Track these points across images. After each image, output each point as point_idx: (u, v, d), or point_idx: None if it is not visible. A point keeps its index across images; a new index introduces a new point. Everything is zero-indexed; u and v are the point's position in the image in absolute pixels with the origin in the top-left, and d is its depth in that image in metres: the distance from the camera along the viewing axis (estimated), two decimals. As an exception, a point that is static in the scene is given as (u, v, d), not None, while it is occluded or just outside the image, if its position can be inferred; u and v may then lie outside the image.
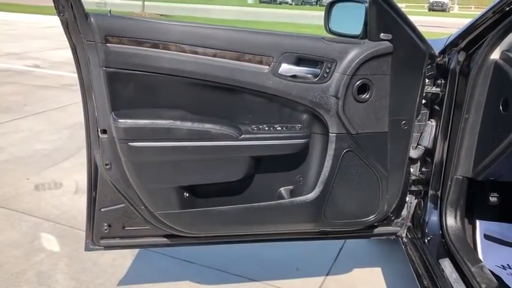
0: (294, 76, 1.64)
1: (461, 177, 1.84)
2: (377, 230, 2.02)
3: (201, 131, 1.61)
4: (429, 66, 1.80)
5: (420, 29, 1.76)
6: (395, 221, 2.03)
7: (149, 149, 1.59)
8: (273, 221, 1.84)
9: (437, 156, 1.89)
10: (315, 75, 1.66)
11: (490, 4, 1.69)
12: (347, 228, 1.95)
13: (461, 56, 1.78)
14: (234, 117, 1.69)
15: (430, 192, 1.94)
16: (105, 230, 1.82)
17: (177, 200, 1.71)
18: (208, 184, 1.74)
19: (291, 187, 1.83)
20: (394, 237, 2.07)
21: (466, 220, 1.97)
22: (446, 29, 14.76)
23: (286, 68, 1.63)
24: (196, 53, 1.58)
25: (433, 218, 1.92)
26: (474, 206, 2.07)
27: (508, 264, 1.95)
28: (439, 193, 1.91)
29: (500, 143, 1.64)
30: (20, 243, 2.50)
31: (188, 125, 1.60)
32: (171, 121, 1.58)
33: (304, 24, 16.90)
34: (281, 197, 1.82)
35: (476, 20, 1.72)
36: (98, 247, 1.85)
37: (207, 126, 1.61)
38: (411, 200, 2.02)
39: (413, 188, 1.98)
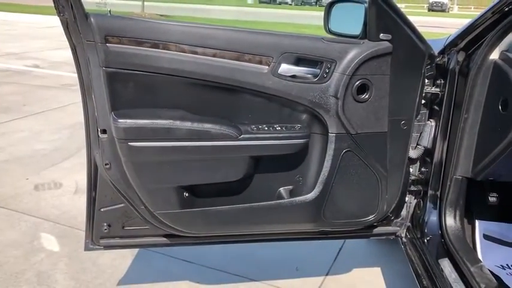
0: (293, 76, 1.65)
1: (460, 177, 1.84)
2: (376, 230, 2.02)
3: (201, 131, 1.61)
4: (428, 67, 1.80)
5: (420, 29, 1.76)
6: (395, 221, 2.03)
7: (149, 149, 1.60)
8: (273, 221, 1.84)
9: (436, 156, 1.89)
10: (315, 75, 1.66)
11: (489, 4, 1.69)
12: (346, 228, 1.96)
13: (461, 56, 1.79)
14: (234, 117, 1.69)
15: (430, 192, 1.94)
16: (105, 229, 1.82)
17: (176, 199, 1.71)
18: (208, 184, 1.74)
19: (290, 187, 1.83)
20: (393, 237, 2.07)
21: (465, 220, 1.98)
22: (445, 29, 14.78)
23: (285, 68, 1.63)
24: (196, 53, 1.58)
25: (433, 218, 1.92)
26: (473, 206, 2.07)
27: (507, 264, 1.95)
28: (438, 193, 1.91)
29: (499, 143, 1.64)
30: (20, 243, 2.50)
31: (188, 125, 1.60)
32: (171, 121, 1.58)
33: (304, 24, 16.90)
34: (281, 197, 1.82)
35: (476, 20, 1.72)
36: (97, 247, 1.86)
37: (207, 126, 1.62)
38: (410, 200, 2.02)
39: (412, 188, 1.99)
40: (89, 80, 1.58)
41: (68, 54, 1.77)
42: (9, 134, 4.23)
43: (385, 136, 1.77)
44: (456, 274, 1.71)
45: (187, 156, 1.65)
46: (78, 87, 1.62)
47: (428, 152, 1.91)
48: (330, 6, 1.92)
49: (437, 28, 15.76)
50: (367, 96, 1.69)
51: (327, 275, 2.36)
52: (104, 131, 1.62)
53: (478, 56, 1.72)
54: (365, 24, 1.67)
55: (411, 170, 1.97)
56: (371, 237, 2.10)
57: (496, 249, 2.03)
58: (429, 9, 42.40)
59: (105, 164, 1.66)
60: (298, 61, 1.65)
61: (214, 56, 1.59)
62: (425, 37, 1.77)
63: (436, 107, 1.88)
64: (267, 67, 1.62)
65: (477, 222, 2.10)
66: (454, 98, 1.81)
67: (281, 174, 1.82)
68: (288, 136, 1.71)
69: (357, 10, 1.70)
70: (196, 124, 1.61)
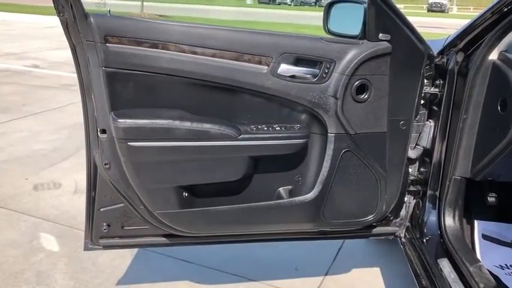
0: (292, 76, 1.65)
1: (459, 178, 1.85)
2: (376, 230, 2.02)
3: (200, 131, 1.61)
4: (428, 67, 1.80)
5: (419, 29, 1.76)
6: (394, 221, 2.03)
7: (148, 149, 1.60)
8: (272, 221, 1.84)
9: (435, 156, 1.89)
10: (314, 76, 1.67)
11: (488, 5, 1.69)
12: (346, 228, 1.96)
13: (460, 57, 1.79)
14: (233, 117, 1.69)
15: (429, 192, 1.94)
16: (104, 229, 1.82)
17: (176, 199, 1.71)
18: (208, 184, 1.74)
19: (289, 187, 1.83)
20: (392, 237, 2.07)
21: (464, 220, 1.98)
22: (444, 29, 14.81)
23: (285, 68, 1.64)
24: (195, 53, 1.58)
25: (432, 218, 1.92)
26: (472, 206, 2.08)
27: (506, 264, 1.95)
28: (437, 193, 1.91)
29: (498, 143, 1.64)
30: (19, 243, 2.50)
31: (187, 125, 1.60)
32: (171, 121, 1.59)
33: (303, 24, 16.91)
34: (280, 197, 1.82)
35: (475, 20, 1.73)
36: (97, 247, 1.86)
37: (206, 126, 1.62)
38: (410, 200, 2.03)
39: (411, 188, 1.99)
40: (89, 80, 1.58)
41: (67, 54, 1.78)
42: (8, 134, 4.23)
43: (384, 136, 1.77)
44: (455, 274, 1.72)
45: (186, 156, 1.65)
46: (77, 87, 1.63)
47: (428, 152, 1.92)
48: (329, 7, 1.93)
49: (436, 28, 15.78)
50: (366, 97, 1.70)
51: (326, 275, 2.36)
52: (103, 131, 1.62)
53: (477, 56, 1.72)
54: (364, 24, 1.67)
55: (410, 170, 1.97)
56: (370, 237, 2.10)
57: (494, 249, 2.03)
58: (428, 10, 42.45)
59: (105, 164, 1.66)
60: (298, 61, 1.65)
61: (213, 56, 1.59)
62: (425, 37, 1.77)
63: (435, 107, 1.88)
64: (267, 67, 1.63)
65: (476, 222, 2.10)
66: (453, 99, 1.81)
67: (280, 174, 1.82)
68: (287, 136, 1.71)
69: (356, 10, 1.70)
70: (196, 124, 1.61)
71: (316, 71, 1.66)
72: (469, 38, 1.76)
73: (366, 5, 1.65)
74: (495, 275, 1.80)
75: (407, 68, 1.74)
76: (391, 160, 1.81)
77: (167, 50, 1.56)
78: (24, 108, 5.08)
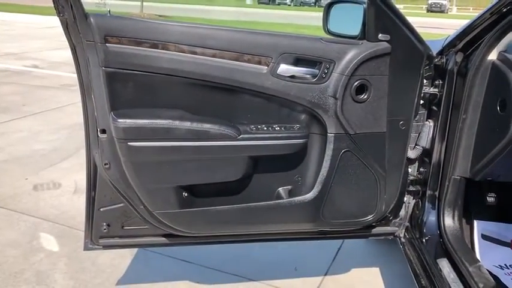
0: (292, 76, 1.65)
1: (459, 178, 1.85)
2: (375, 230, 2.02)
3: (200, 131, 1.62)
4: (427, 67, 1.81)
5: (418, 30, 1.77)
6: (394, 221, 2.04)
7: (148, 149, 1.60)
8: (272, 221, 1.85)
9: (435, 156, 1.90)
10: (314, 76, 1.67)
11: (487, 5, 1.70)
12: (345, 228, 1.96)
13: (459, 57, 1.79)
14: (233, 117, 1.70)
15: (428, 192, 1.94)
16: (104, 229, 1.82)
17: (176, 199, 1.71)
18: (207, 184, 1.75)
19: (289, 187, 1.84)
20: (392, 237, 2.07)
21: (463, 220, 1.98)
22: (444, 30, 14.81)
23: (284, 68, 1.64)
24: (195, 53, 1.58)
25: (431, 218, 1.93)
26: (472, 206, 2.08)
27: (505, 264, 1.96)
28: (437, 193, 1.91)
29: (497, 143, 1.65)
30: (19, 243, 2.51)
31: (187, 125, 1.60)
32: (170, 121, 1.59)
33: (303, 25, 16.92)
34: (279, 196, 1.82)
35: (474, 21, 1.73)
36: (97, 246, 1.86)
37: (206, 126, 1.62)
38: (409, 200, 2.03)
39: (411, 188, 1.99)
40: (89, 80, 1.58)
41: (67, 54, 1.78)
42: (8, 134, 4.23)
43: (384, 136, 1.77)
44: (454, 274, 1.72)
45: (186, 156, 1.65)
46: (77, 87, 1.63)
47: (427, 152, 1.92)
48: (328, 7, 1.93)
49: (436, 29, 15.79)
50: (365, 97, 1.70)
51: (325, 275, 2.37)
52: (103, 131, 1.62)
53: (476, 56, 1.72)
54: (364, 24, 1.67)
55: (410, 170, 1.98)
56: (370, 237, 2.11)
57: (494, 249, 2.03)
58: (428, 10, 42.47)
59: (105, 164, 1.67)
60: (297, 61, 1.65)
61: (213, 56, 1.60)
62: (424, 38, 1.78)
63: (434, 108, 1.88)
64: (266, 67, 1.63)
65: (475, 222, 2.10)
66: (453, 99, 1.82)
67: (280, 174, 1.82)
68: (287, 136, 1.71)
69: (356, 11, 1.71)
70: (196, 124, 1.61)
71: (316, 71, 1.66)
72: (468, 38, 1.76)
73: (365, 6, 1.65)
74: (494, 275, 1.81)
75: (407, 68, 1.75)
76: (390, 160, 1.82)
77: (167, 50, 1.56)
78: (24, 108, 5.09)
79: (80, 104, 1.66)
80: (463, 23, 1.88)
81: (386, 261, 2.46)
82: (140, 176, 1.64)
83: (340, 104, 1.67)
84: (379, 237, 2.11)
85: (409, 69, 1.75)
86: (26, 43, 10.27)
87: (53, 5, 1.49)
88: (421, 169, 1.98)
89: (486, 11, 1.67)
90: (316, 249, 2.54)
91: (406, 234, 2.04)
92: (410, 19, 1.74)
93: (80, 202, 2.92)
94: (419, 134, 1.90)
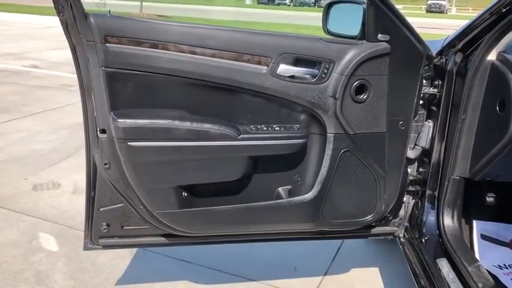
0: (292, 76, 1.65)
1: (458, 178, 1.85)
2: (375, 230, 2.03)
3: (200, 131, 1.62)
4: (426, 67, 1.81)
5: (418, 30, 1.77)
6: (393, 221, 2.04)
7: (148, 149, 1.60)
8: (271, 221, 1.85)
9: (434, 156, 1.90)
10: (313, 76, 1.67)
11: (487, 6, 1.70)
12: (345, 228, 1.96)
13: (459, 57, 1.80)
14: (233, 117, 1.70)
15: (428, 192, 1.95)
16: (104, 229, 1.82)
17: (175, 199, 1.71)
18: (207, 184, 1.75)
19: (289, 187, 1.84)
20: (391, 237, 2.08)
21: (463, 220, 1.98)
22: (443, 30, 14.83)
23: (284, 68, 1.64)
24: (195, 53, 1.58)
25: (431, 218, 1.93)
26: (471, 206, 2.08)
27: (504, 264, 1.96)
28: (436, 193, 1.92)
29: (497, 143, 1.65)
30: (19, 243, 2.50)
31: (187, 124, 1.60)
32: (170, 121, 1.59)
33: (302, 25, 16.93)
34: (279, 196, 1.83)
35: (473, 21, 1.73)
36: (96, 246, 1.86)
37: (206, 126, 1.62)
38: (409, 200, 2.03)
39: (410, 188, 1.99)
40: (89, 80, 1.58)
41: (66, 54, 1.79)
42: (7, 134, 4.23)
43: (383, 136, 1.78)
44: (454, 274, 1.72)
45: (186, 156, 1.66)
46: (76, 87, 1.63)
47: (426, 153, 1.92)
48: (328, 7, 1.93)
49: (435, 29, 15.82)
50: (365, 97, 1.70)
51: (325, 275, 2.37)
52: (103, 131, 1.62)
53: (476, 57, 1.73)
54: (363, 25, 1.68)
55: (409, 170, 1.98)
56: (369, 237, 2.11)
57: (493, 249, 2.04)
58: (427, 11, 42.50)
59: (105, 164, 1.67)
60: (297, 61, 1.65)
61: (213, 56, 1.60)
62: (424, 38, 1.78)
63: (434, 108, 1.88)
64: (266, 67, 1.63)
65: (475, 222, 2.10)
66: (452, 99, 1.82)
67: (280, 174, 1.82)
68: (286, 136, 1.71)
69: (355, 11, 1.71)
70: (196, 124, 1.61)
71: (316, 71, 1.67)
72: (467, 38, 1.76)
73: (365, 6, 1.65)
74: (494, 275, 1.81)
75: (406, 68, 1.75)
76: (390, 160, 1.82)
77: (167, 50, 1.56)
78: (23, 109, 5.08)
79: (79, 104, 1.66)
80: (463, 23, 1.89)
81: (385, 261, 2.47)
82: (140, 176, 1.65)
83: (340, 104, 1.67)
84: (379, 237, 2.11)
85: (409, 70, 1.76)
86: (25, 43, 10.27)
87: (52, 5, 1.49)
88: (421, 169, 1.98)
89: (485, 12, 1.67)
90: (315, 249, 2.54)
91: (405, 234, 2.04)
92: (409, 19, 1.74)
93: (80, 202, 2.92)
94: (418, 134, 1.91)
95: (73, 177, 3.34)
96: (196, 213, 1.76)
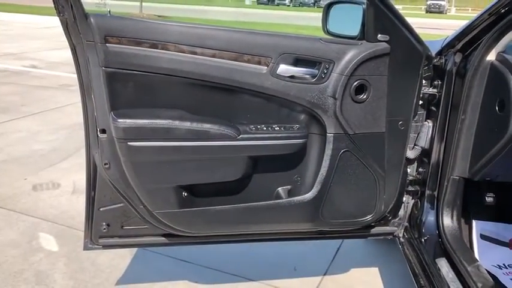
0: (292, 77, 1.66)
1: (457, 178, 1.85)
2: (374, 230, 2.03)
3: (200, 131, 1.62)
4: (426, 68, 1.81)
5: (417, 30, 1.77)
6: (393, 221, 2.04)
7: (148, 149, 1.60)
8: (271, 221, 1.85)
9: (434, 156, 1.90)
10: (313, 76, 1.67)
11: (486, 6, 1.70)
12: (344, 228, 1.97)
13: (458, 58, 1.80)
14: (233, 117, 1.70)
15: (427, 192, 1.95)
16: (104, 229, 1.82)
17: (175, 199, 1.71)
18: (207, 184, 1.75)
19: (288, 187, 1.84)
20: (391, 237, 2.08)
21: (462, 220, 1.99)
22: (443, 30, 14.83)
23: (284, 68, 1.64)
24: (195, 53, 1.59)
25: (430, 218, 1.93)
26: (470, 206, 2.08)
27: (503, 264, 1.96)
28: (435, 193, 1.92)
29: (496, 143, 1.65)
30: (18, 243, 2.51)
31: (187, 124, 1.61)
32: (170, 121, 1.59)
33: (302, 25, 16.93)
34: (279, 196, 1.83)
35: (473, 21, 1.74)
36: (96, 246, 1.86)
37: (206, 126, 1.62)
38: (408, 200, 2.03)
39: (410, 188, 2.00)
40: (89, 80, 1.58)
41: (65, 54, 1.79)
42: (7, 135, 4.23)
43: (383, 136, 1.78)
44: (453, 273, 1.72)
45: (186, 156, 1.66)
46: (75, 87, 1.63)
47: (426, 153, 1.93)
48: (328, 7, 1.93)
49: (434, 29, 15.82)
50: (365, 97, 1.71)
51: (324, 275, 2.37)
52: (103, 131, 1.62)
53: (475, 57, 1.73)
54: (363, 25, 1.68)
55: (409, 170, 1.98)
56: (369, 237, 2.11)
57: (492, 249, 2.04)
58: (427, 11, 42.51)
59: (105, 164, 1.67)
60: (297, 62, 1.66)
61: (213, 56, 1.60)
62: (423, 38, 1.78)
63: (433, 108, 1.89)
64: (266, 67, 1.63)
65: (474, 222, 2.11)
66: (451, 99, 1.82)
67: (279, 174, 1.82)
68: (286, 136, 1.72)
69: (355, 11, 1.71)
70: (196, 124, 1.61)
71: (315, 71, 1.67)
72: (467, 39, 1.77)
73: (364, 6, 1.65)
74: (493, 275, 1.81)
75: (406, 68, 1.75)
76: (389, 160, 1.82)
77: (167, 50, 1.57)
78: (22, 109, 5.08)
79: (79, 104, 1.67)
80: (462, 23, 1.89)
81: (385, 261, 2.47)
82: (140, 175, 1.65)
83: (340, 104, 1.68)
84: (378, 237, 2.12)
85: (408, 70, 1.76)
86: (24, 43, 10.26)
87: (52, 5, 1.49)
88: (420, 169, 1.98)
89: (485, 12, 1.67)
90: (315, 249, 2.55)
91: (405, 234, 2.05)
92: (409, 20, 1.75)
93: (79, 202, 2.93)
94: (418, 134, 1.91)
95: (73, 177, 3.34)
96: (196, 213, 1.76)
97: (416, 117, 1.88)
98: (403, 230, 2.05)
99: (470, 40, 1.76)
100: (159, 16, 16.51)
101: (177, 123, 1.60)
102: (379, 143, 1.78)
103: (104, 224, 1.82)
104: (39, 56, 8.67)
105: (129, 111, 1.58)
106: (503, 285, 1.80)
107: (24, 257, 2.38)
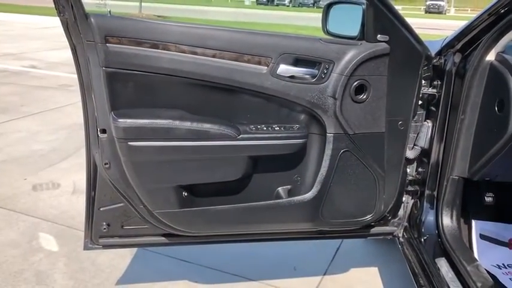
0: (292, 77, 1.66)
1: (457, 178, 1.86)
2: (374, 230, 2.03)
3: (200, 131, 1.62)
4: (425, 68, 1.82)
5: (417, 30, 1.78)
6: (392, 220, 2.04)
7: (148, 149, 1.61)
8: (271, 221, 1.85)
9: (433, 156, 1.91)
10: (313, 76, 1.68)
11: (485, 6, 1.71)
12: (344, 228, 1.97)
13: (457, 58, 1.80)
14: (233, 117, 1.70)
15: (427, 192, 1.95)
16: (104, 229, 1.83)
17: (175, 199, 1.72)
18: (207, 183, 1.75)
19: (288, 187, 1.85)
20: (390, 237, 2.08)
21: (461, 220, 1.99)
22: (442, 31, 14.83)
23: (284, 68, 1.65)
24: (195, 53, 1.59)
25: (430, 217, 1.94)
26: (470, 206, 2.09)
27: (503, 264, 1.97)
28: (435, 193, 1.92)
29: (495, 143, 1.66)
30: (18, 243, 2.51)
31: (187, 124, 1.61)
32: (170, 121, 1.59)
33: (302, 26, 16.94)
34: (279, 196, 1.83)
35: (472, 22, 1.74)
36: (96, 246, 1.86)
37: (206, 126, 1.63)
38: (408, 200, 2.04)
39: (409, 188, 2.00)
40: (89, 80, 1.59)
41: (65, 54, 1.79)
42: (6, 135, 4.22)
43: (383, 136, 1.78)
44: (453, 273, 1.73)
45: (186, 156, 1.66)
46: (75, 87, 1.64)
47: (425, 153, 1.93)
48: (328, 8, 1.93)
49: (434, 30, 15.83)
50: (364, 97, 1.71)
51: (324, 274, 2.37)
52: (103, 131, 1.63)
53: (475, 57, 1.74)
54: (363, 25, 1.68)
55: (408, 170, 1.99)
56: (368, 237, 2.11)
57: (492, 248, 2.04)
58: (426, 11, 42.52)
59: (105, 164, 1.67)
60: (297, 62, 1.66)
61: (213, 56, 1.60)
62: (423, 38, 1.79)
63: (433, 108, 1.89)
64: (266, 68, 1.64)
65: (473, 222, 2.11)
66: (451, 99, 1.83)
67: (279, 174, 1.83)
68: (286, 136, 1.72)
69: (355, 11, 1.72)
70: (196, 124, 1.62)
71: (315, 71, 1.67)
72: (466, 39, 1.77)
73: (364, 6, 1.66)
74: (492, 275, 1.81)
75: (406, 68, 1.76)
76: (389, 160, 1.82)
77: (167, 51, 1.57)
78: (22, 109, 5.08)
79: (79, 104, 1.67)
80: (461, 24, 1.89)
81: (385, 261, 2.47)
82: (140, 175, 1.65)
83: (339, 104, 1.68)
84: (378, 237, 2.12)
85: (408, 70, 1.76)
86: (24, 43, 10.25)
87: (51, 5, 1.49)
88: (420, 169, 1.99)
89: (484, 12, 1.68)
90: (315, 249, 2.55)
91: (404, 234, 2.05)
92: (408, 20, 1.75)
93: (79, 202, 2.93)
94: (417, 134, 1.91)
95: (73, 177, 3.34)
96: (197, 213, 1.77)
97: (416, 117, 1.88)
98: (402, 230, 2.06)
99: (470, 40, 1.76)
100: (158, 16, 16.50)
101: (177, 123, 1.60)
102: (378, 143, 1.79)
103: (104, 223, 1.82)
104: (38, 56, 8.67)
105: (129, 111, 1.58)
106: (503, 285, 1.80)
107: (24, 257, 2.39)
